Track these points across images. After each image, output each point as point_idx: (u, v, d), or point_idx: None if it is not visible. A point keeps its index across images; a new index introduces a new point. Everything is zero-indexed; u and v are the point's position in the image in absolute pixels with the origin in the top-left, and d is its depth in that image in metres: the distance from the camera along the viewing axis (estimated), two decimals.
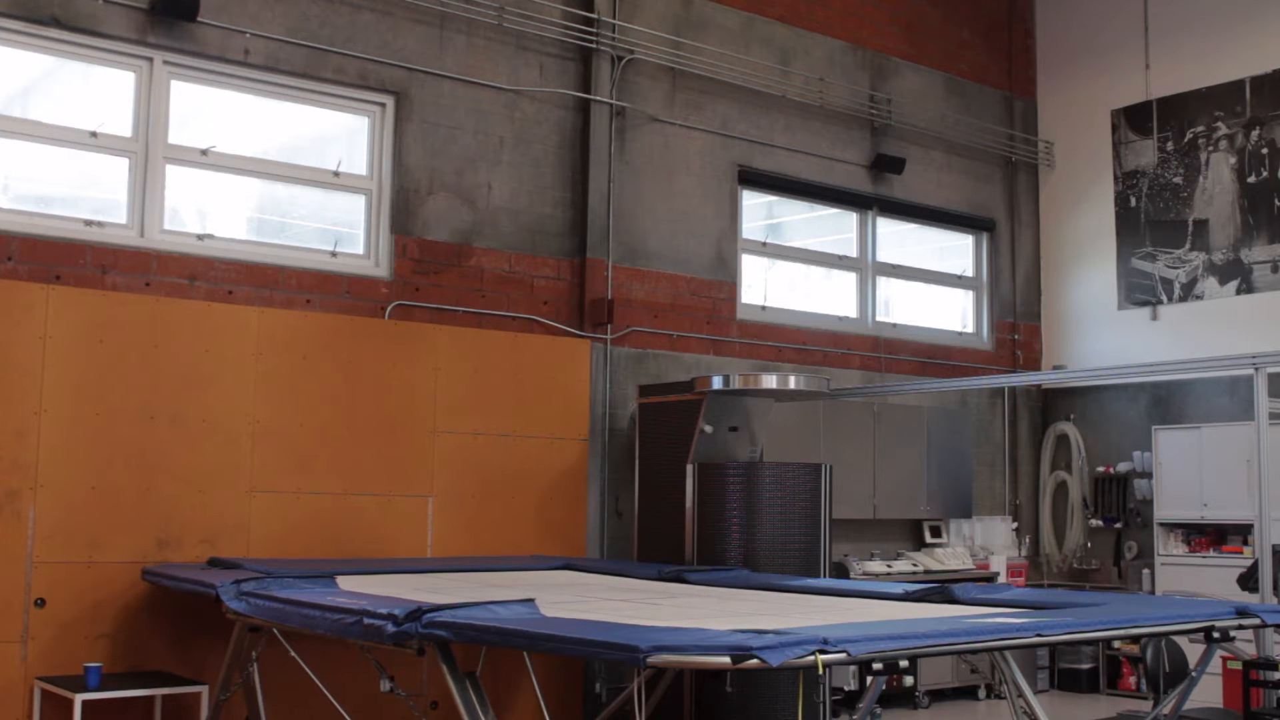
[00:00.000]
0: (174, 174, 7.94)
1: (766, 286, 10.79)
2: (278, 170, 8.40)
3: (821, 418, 10.24)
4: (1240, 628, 5.89)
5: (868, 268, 11.46)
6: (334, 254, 8.48)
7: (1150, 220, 11.77)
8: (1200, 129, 11.46)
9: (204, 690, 6.83)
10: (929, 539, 11.15)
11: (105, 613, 7.01)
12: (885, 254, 11.61)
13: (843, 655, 4.25)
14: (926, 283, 12.08)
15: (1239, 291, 11.11)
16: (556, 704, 8.00)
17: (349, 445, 7.93)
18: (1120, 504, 11.63)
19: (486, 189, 9.02)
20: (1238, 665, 7.41)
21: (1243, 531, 10.17)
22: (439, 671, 4.93)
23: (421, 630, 4.86)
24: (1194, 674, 6.48)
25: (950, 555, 10.91)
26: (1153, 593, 10.83)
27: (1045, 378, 11.89)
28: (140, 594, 7.09)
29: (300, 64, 8.28)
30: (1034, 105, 12.73)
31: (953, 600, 6.28)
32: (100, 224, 7.62)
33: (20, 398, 6.87)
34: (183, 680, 6.93)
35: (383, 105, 8.68)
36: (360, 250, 8.61)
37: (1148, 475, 11.28)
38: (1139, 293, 11.78)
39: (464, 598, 5.41)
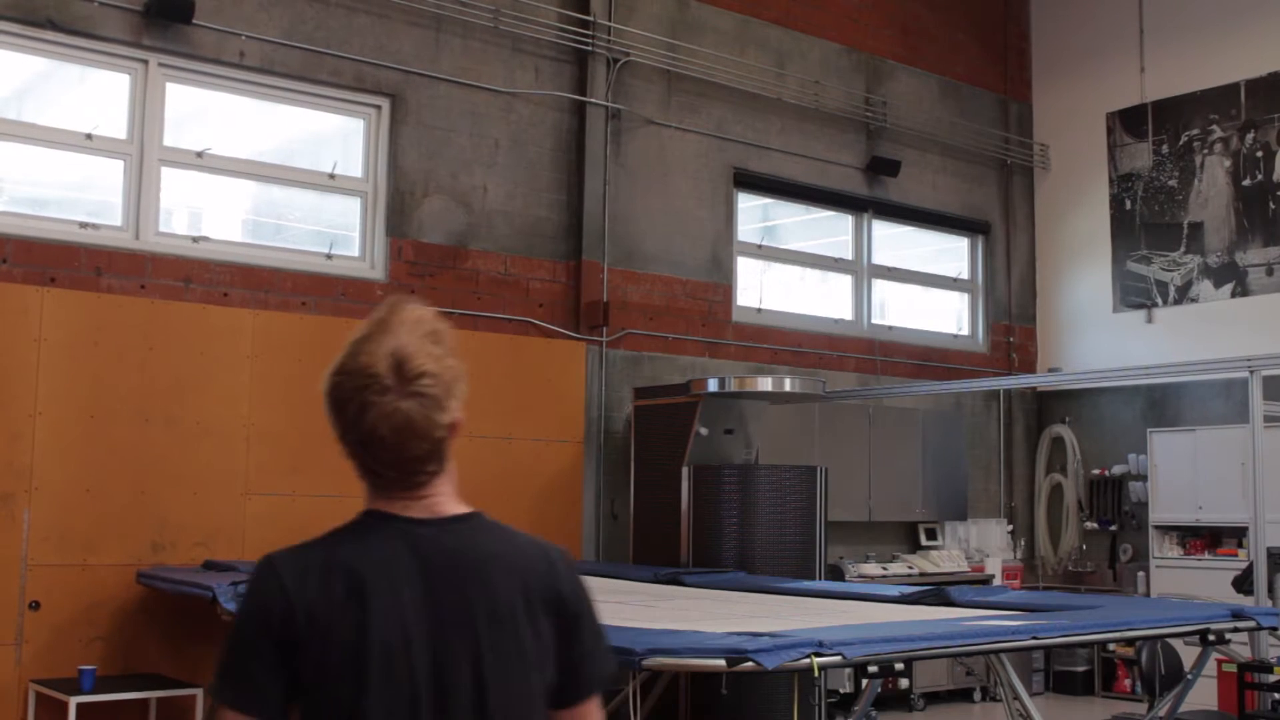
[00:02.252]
0: (169, 176, 7.93)
1: (762, 289, 10.79)
2: (273, 173, 8.39)
3: (817, 420, 10.24)
4: (1235, 630, 5.90)
5: (863, 270, 11.47)
6: (329, 256, 8.47)
7: (1145, 223, 11.79)
8: (1195, 132, 11.48)
9: (198, 693, 6.81)
10: (924, 541, 11.16)
11: (100, 615, 7.00)
12: (880, 256, 11.62)
13: (838, 658, 4.25)
14: (922, 285, 12.09)
15: (1234, 294, 11.12)
16: None
17: None
18: (1115, 506, 11.63)
19: (482, 191, 9.02)
20: (1233, 668, 7.42)
21: (1238, 534, 10.18)
22: None
23: None
24: (1189, 676, 6.49)
25: (945, 558, 10.91)
26: (1148, 595, 10.84)
27: (1040, 380, 11.89)
28: (135, 597, 7.08)
29: (295, 66, 8.27)
30: (1029, 108, 12.75)
31: (948, 603, 6.28)
32: (95, 226, 7.61)
33: (15, 400, 6.86)
34: (177, 683, 6.92)
35: (378, 108, 8.67)
36: (355, 252, 8.60)
37: (1143, 478, 11.29)
38: (1134, 295, 11.79)
39: None
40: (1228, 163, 11.24)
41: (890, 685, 9.94)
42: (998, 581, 10.89)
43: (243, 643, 1.90)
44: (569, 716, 2.05)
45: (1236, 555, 10.08)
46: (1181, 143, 11.57)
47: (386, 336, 1.99)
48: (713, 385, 8.51)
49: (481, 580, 1.95)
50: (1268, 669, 7.19)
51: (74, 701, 6.35)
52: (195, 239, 7.98)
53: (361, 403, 1.92)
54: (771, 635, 4.26)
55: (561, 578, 2.01)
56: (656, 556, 8.42)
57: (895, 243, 11.85)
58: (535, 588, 1.98)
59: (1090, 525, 11.79)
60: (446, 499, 2.03)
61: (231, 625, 1.93)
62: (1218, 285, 11.23)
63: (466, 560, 1.96)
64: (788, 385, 8.83)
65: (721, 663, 4.12)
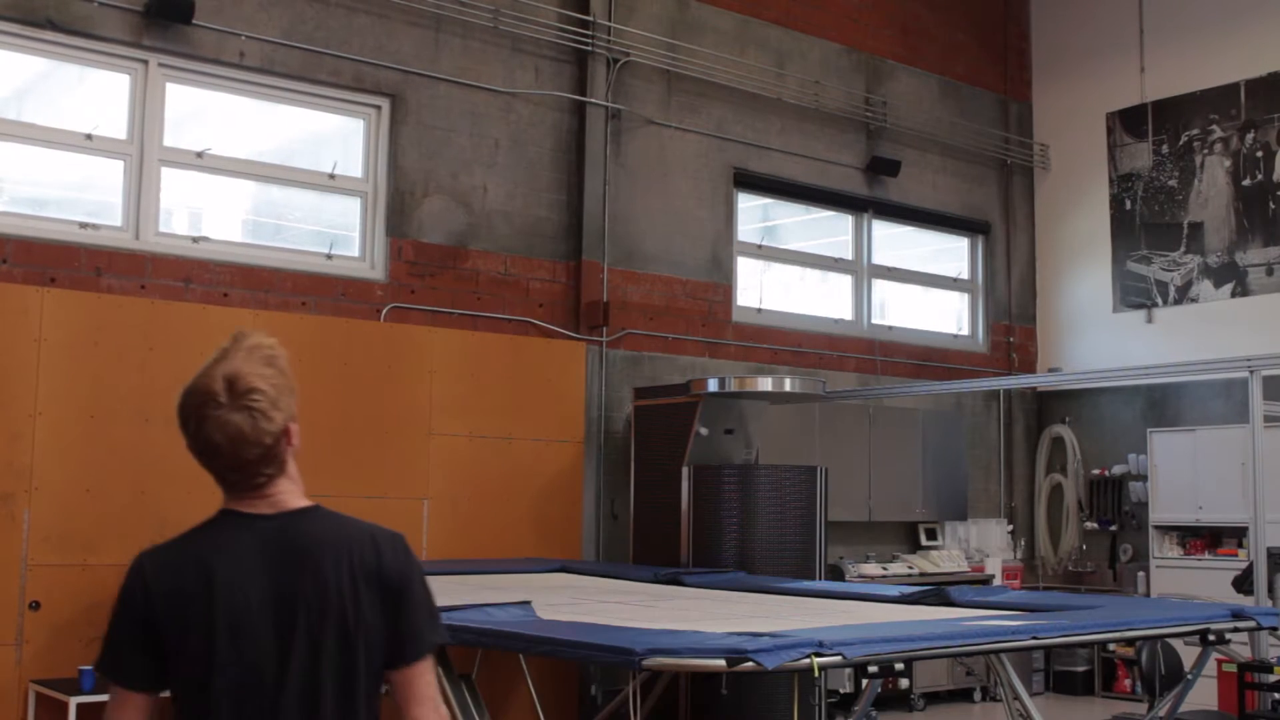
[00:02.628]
0: (169, 176, 7.93)
1: (762, 289, 10.79)
2: (273, 173, 8.39)
3: (817, 420, 10.24)
4: (1235, 630, 5.90)
5: (863, 270, 11.47)
6: (329, 256, 8.47)
7: (1145, 223, 11.79)
8: (1195, 132, 11.48)
9: None
10: (924, 541, 11.16)
11: (100, 615, 6.93)
12: (880, 256, 11.62)
13: (838, 658, 4.25)
14: (922, 285, 12.09)
15: (1234, 294, 11.12)
16: (552, 707, 8.00)
17: (344, 448, 7.92)
18: (1115, 506, 11.63)
19: (482, 191, 9.02)
20: (1233, 668, 7.42)
21: (1238, 534, 10.18)
22: (434, 674, 4.92)
23: None
24: (1189, 676, 6.49)
25: (945, 558, 10.91)
26: (1148, 595, 10.84)
27: (1040, 380, 11.90)
28: None
29: (295, 66, 8.27)
30: (1029, 108, 12.75)
31: (948, 603, 6.28)
32: (95, 226, 7.61)
33: (15, 401, 6.86)
34: None
35: (378, 108, 8.67)
36: (356, 253, 8.61)
37: (1143, 478, 11.29)
38: (1134, 295, 11.79)
39: (460, 600, 5.40)
40: (1228, 163, 11.24)
41: (890, 685, 9.95)
42: (998, 581, 10.90)
43: (114, 627, 2.33)
44: (400, 677, 2.36)
45: (1236, 555, 10.08)
46: (1181, 143, 11.57)
47: (225, 362, 2.34)
48: (713, 385, 8.51)
49: (314, 562, 2.30)
50: (1268, 669, 7.19)
51: (74, 702, 6.35)
52: (195, 239, 7.98)
53: (200, 416, 2.29)
54: (771, 635, 4.26)
55: (385, 558, 2.34)
56: (656, 556, 8.42)
57: (895, 243, 11.85)
58: (360, 567, 2.31)
59: (1090, 525, 11.79)
60: (289, 495, 2.37)
61: (110, 613, 2.34)
62: (1218, 285, 11.23)
63: (301, 546, 2.31)
64: (788, 385, 8.83)
65: (721, 663, 4.12)
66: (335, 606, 2.28)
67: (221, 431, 2.29)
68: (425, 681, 2.39)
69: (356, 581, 2.30)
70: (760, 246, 10.79)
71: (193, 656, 2.26)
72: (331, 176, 8.56)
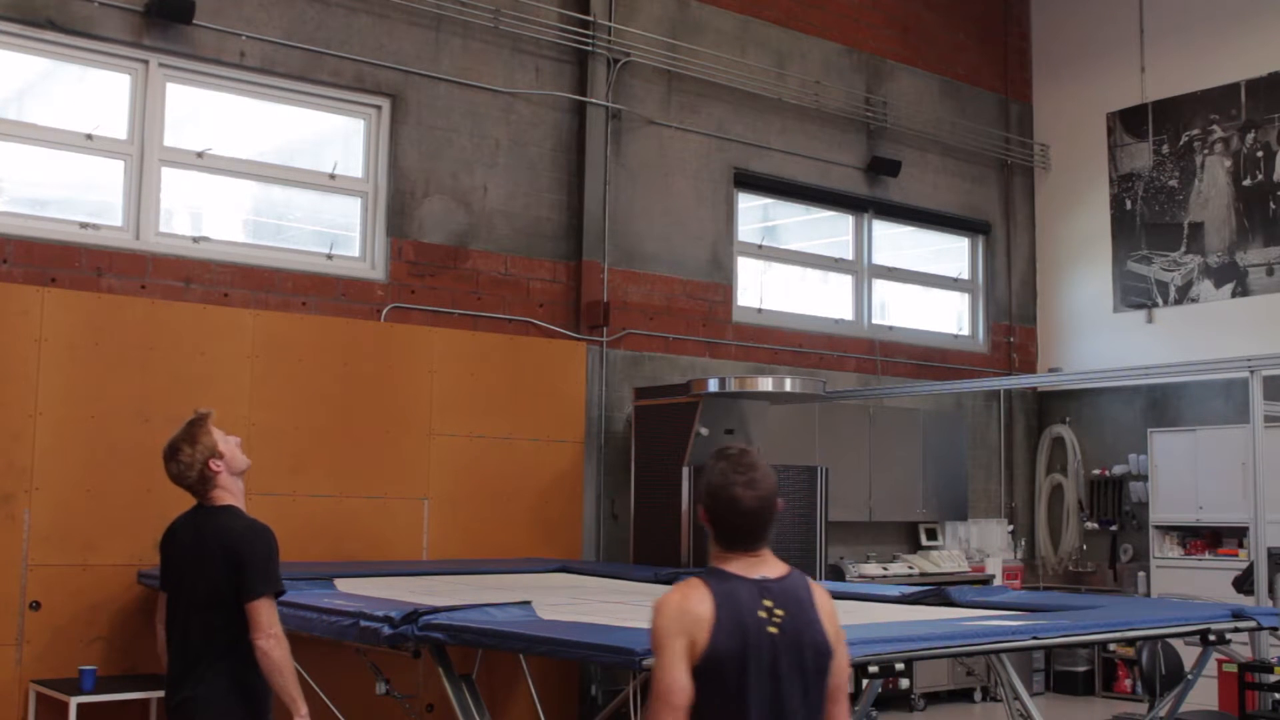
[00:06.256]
0: (169, 176, 7.93)
1: (762, 289, 10.79)
2: (273, 173, 8.39)
3: (817, 420, 10.23)
4: (1236, 630, 5.91)
5: (863, 270, 11.47)
6: (329, 256, 8.47)
7: (1146, 223, 11.78)
8: (1195, 132, 11.48)
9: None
10: (924, 541, 11.16)
11: (100, 616, 7.00)
12: (881, 257, 11.62)
13: None
14: (922, 285, 12.09)
15: (1234, 294, 11.12)
16: (552, 707, 7.99)
17: (345, 448, 7.92)
18: (1116, 507, 11.63)
19: (482, 191, 9.02)
20: (1233, 668, 7.42)
21: (1238, 534, 10.18)
22: (435, 674, 4.93)
23: (417, 632, 4.85)
24: (1190, 677, 6.49)
25: (946, 558, 10.91)
26: (1148, 595, 10.84)
27: (1041, 380, 11.90)
28: (135, 597, 7.08)
29: (296, 66, 8.27)
30: (1029, 108, 12.75)
31: (949, 603, 6.29)
32: (96, 226, 7.61)
33: (16, 400, 6.86)
34: None
35: (379, 108, 8.67)
36: (356, 253, 8.60)
37: (1143, 478, 11.29)
38: (1134, 295, 11.79)
39: (460, 600, 5.40)
40: (1228, 163, 11.24)
41: (890, 685, 9.94)
42: (998, 582, 10.89)
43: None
44: (245, 610, 4.00)
45: (1237, 555, 10.08)
46: (1182, 143, 11.57)
47: (175, 434, 4.26)
48: (713, 385, 8.51)
49: (203, 536, 4.17)
50: (1268, 669, 7.19)
51: (74, 702, 6.35)
52: (196, 239, 7.98)
53: (165, 465, 4.23)
54: None
55: (238, 543, 4.08)
56: (657, 556, 8.42)
57: (895, 243, 11.85)
58: (224, 545, 4.09)
59: (1091, 525, 11.79)
60: (217, 498, 4.23)
61: None
62: (1218, 285, 11.23)
63: (203, 526, 4.21)
64: (788, 385, 8.82)
65: None
66: (206, 560, 4.10)
67: (171, 472, 4.22)
68: (260, 615, 3.98)
69: (220, 549, 4.08)
70: (760, 246, 10.79)
71: (165, 576, 4.31)
72: (332, 176, 8.56)
